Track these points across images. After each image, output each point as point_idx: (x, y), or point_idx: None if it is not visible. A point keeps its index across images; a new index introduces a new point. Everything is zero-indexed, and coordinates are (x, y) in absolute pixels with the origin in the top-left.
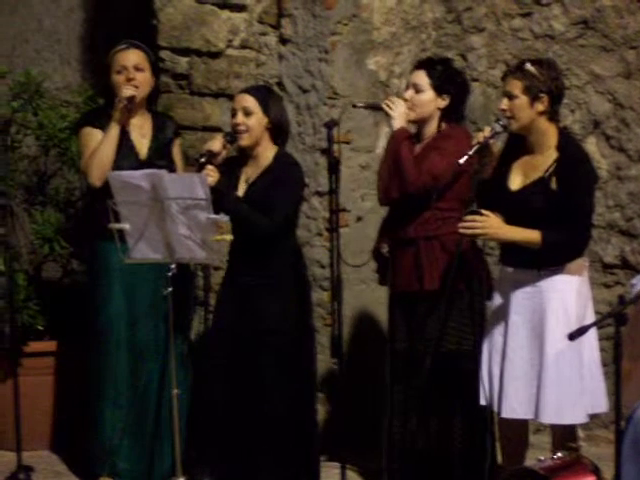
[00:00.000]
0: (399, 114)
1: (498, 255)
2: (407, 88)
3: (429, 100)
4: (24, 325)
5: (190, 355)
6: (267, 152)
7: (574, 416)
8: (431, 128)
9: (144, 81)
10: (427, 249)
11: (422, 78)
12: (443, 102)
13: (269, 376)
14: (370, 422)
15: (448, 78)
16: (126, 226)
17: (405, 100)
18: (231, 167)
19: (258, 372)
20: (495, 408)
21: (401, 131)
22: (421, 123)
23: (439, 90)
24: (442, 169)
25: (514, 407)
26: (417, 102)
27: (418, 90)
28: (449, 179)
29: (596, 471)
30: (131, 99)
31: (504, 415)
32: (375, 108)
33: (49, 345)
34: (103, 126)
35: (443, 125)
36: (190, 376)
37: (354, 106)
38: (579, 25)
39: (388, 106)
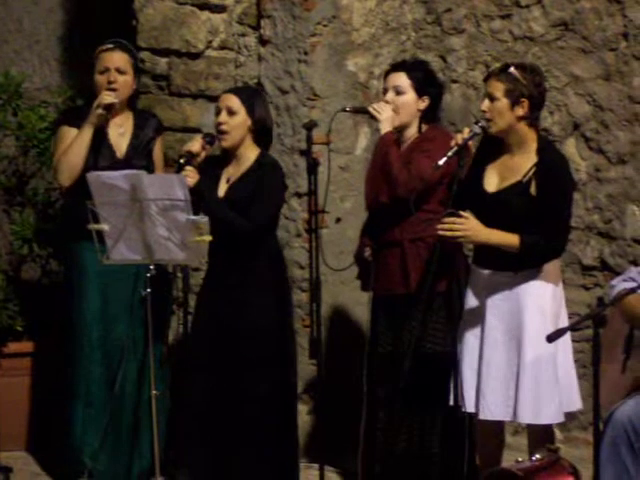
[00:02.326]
0: (386, 118)
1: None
2: (385, 91)
3: (411, 102)
4: (3, 326)
5: (169, 356)
6: (249, 153)
7: (552, 416)
8: (412, 130)
9: (125, 84)
10: (412, 251)
11: (403, 80)
12: (423, 103)
13: (249, 377)
14: (349, 423)
15: (427, 79)
16: (105, 227)
17: (387, 102)
18: (213, 166)
19: (238, 373)
20: (473, 409)
21: (388, 135)
22: (402, 125)
23: (420, 92)
24: (431, 171)
25: (492, 409)
26: (399, 104)
27: (399, 92)
28: (436, 181)
29: (575, 473)
30: (109, 107)
31: (482, 417)
32: (363, 112)
33: (26, 346)
34: (79, 124)
35: (423, 126)
36: (168, 377)
37: (343, 110)
38: (559, 27)
39: (375, 110)
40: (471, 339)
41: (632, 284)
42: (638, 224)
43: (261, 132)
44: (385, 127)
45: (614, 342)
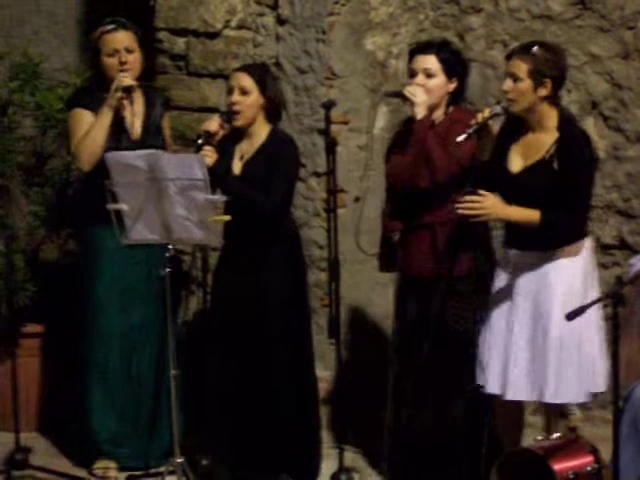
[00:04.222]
0: (422, 101)
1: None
2: (413, 72)
3: (442, 84)
4: (21, 307)
5: (187, 336)
6: (261, 130)
7: (573, 395)
8: (439, 112)
9: (136, 62)
10: (443, 233)
11: (433, 62)
12: (452, 85)
13: (266, 356)
14: (368, 402)
15: (456, 61)
16: (124, 207)
17: (418, 85)
18: (224, 144)
19: (255, 351)
20: (497, 391)
21: (425, 120)
22: (431, 108)
23: (449, 73)
24: (467, 154)
25: (518, 389)
26: (430, 87)
27: (430, 75)
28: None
29: (594, 452)
30: (129, 89)
31: (509, 397)
32: (399, 96)
33: (36, 327)
34: (94, 107)
35: (450, 108)
36: (185, 357)
37: (386, 94)
38: (577, 5)
39: (411, 93)
40: (499, 320)
41: None
42: None
43: (273, 109)
44: (421, 111)
45: (633, 321)
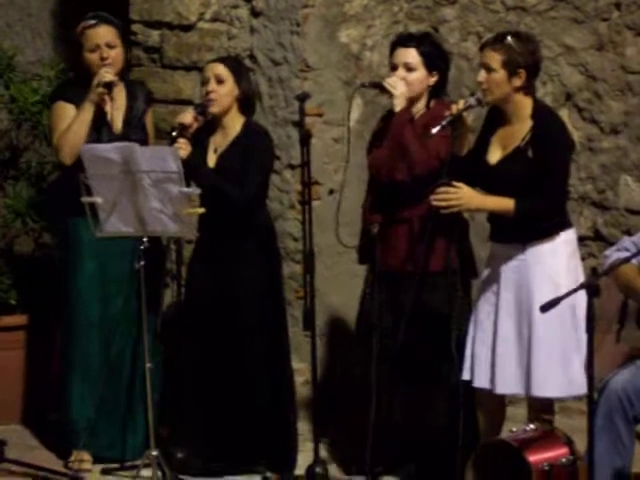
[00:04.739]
0: (401, 93)
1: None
2: (394, 66)
3: (422, 78)
4: None
5: (162, 329)
6: (235, 122)
7: (561, 388)
8: (420, 105)
9: (117, 57)
10: (422, 228)
11: (414, 56)
12: (432, 79)
13: (241, 347)
14: (344, 395)
15: (437, 54)
16: (98, 199)
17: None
18: (198, 137)
19: (229, 343)
20: (485, 385)
21: (403, 112)
22: (412, 101)
23: (430, 67)
24: (447, 147)
25: (507, 383)
26: (410, 81)
27: (410, 68)
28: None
29: (569, 443)
30: (110, 84)
31: (499, 391)
32: (378, 87)
33: (20, 319)
34: (77, 100)
35: (432, 102)
36: (162, 350)
37: (362, 85)
38: None
39: (390, 85)
40: (484, 314)
41: (626, 254)
42: (631, 194)
43: (246, 101)
44: (400, 103)
45: (609, 312)
